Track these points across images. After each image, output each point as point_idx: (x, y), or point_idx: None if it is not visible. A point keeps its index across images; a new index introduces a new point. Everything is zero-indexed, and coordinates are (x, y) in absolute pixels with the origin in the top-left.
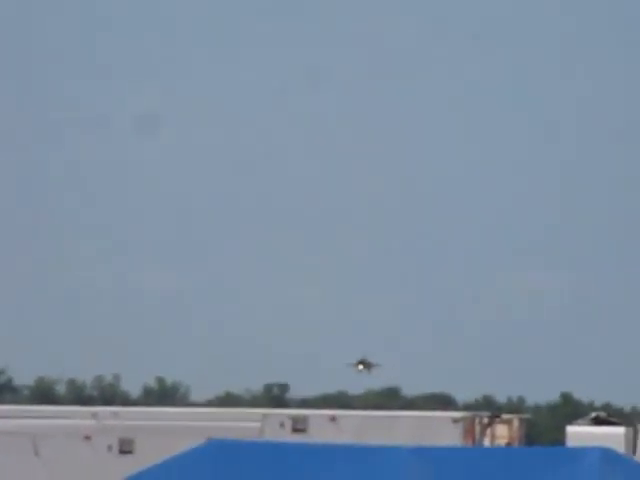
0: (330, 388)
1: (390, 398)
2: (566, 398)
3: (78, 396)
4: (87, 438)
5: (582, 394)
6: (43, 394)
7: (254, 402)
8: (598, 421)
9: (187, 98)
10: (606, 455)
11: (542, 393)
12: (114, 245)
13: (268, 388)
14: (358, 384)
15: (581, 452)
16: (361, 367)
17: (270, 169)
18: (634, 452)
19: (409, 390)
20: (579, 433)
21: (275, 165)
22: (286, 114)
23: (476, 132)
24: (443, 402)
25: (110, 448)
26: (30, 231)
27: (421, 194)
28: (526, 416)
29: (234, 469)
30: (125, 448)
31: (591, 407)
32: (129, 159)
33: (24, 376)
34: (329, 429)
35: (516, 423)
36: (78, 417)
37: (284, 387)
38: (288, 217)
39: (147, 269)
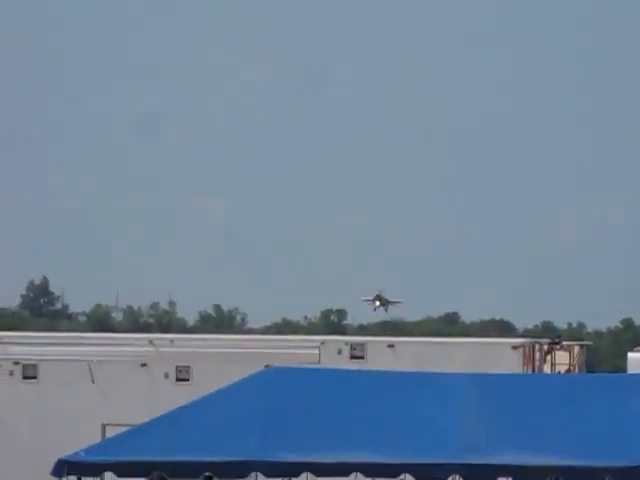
0: (388, 315)
1: (449, 325)
2: (627, 324)
3: (134, 323)
4: (143, 365)
5: None
6: (99, 321)
7: (311, 329)
8: None
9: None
10: None
11: (603, 319)
12: (172, 170)
13: (326, 315)
14: (417, 311)
15: None
16: (377, 303)
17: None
18: None
19: (468, 317)
20: None
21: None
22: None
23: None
24: (502, 328)
25: (167, 375)
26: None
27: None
28: (587, 343)
29: (292, 396)
30: (182, 376)
31: None
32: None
33: (81, 303)
34: (387, 356)
35: (576, 350)
36: (135, 344)
37: (342, 314)
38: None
39: (206, 195)
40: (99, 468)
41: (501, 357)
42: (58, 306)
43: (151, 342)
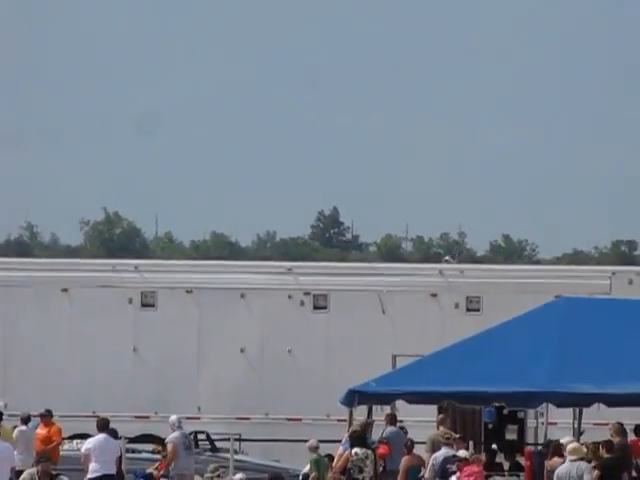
0: None
1: None
2: None
3: (424, 254)
4: (434, 296)
5: None
6: (390, 251)
7: (602, 259)
8: None
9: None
10: None
11: None
12: (461, 105)
13: (616, 245)
14: None
15: None
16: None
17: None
18: None
19: None
20: None
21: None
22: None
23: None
24: None
25: (457, 306)
26: None
27: None
28: None
29: (582, 326)
30: (472, 306)
31: None
32: None
33: (371, 233)
34: None
35: None
36: (425, 275)
37: (633, 244)
38: None
39: (494, 126)
40: (390, 399)
41: None
42: (348, 237)
43: (441, 272)
